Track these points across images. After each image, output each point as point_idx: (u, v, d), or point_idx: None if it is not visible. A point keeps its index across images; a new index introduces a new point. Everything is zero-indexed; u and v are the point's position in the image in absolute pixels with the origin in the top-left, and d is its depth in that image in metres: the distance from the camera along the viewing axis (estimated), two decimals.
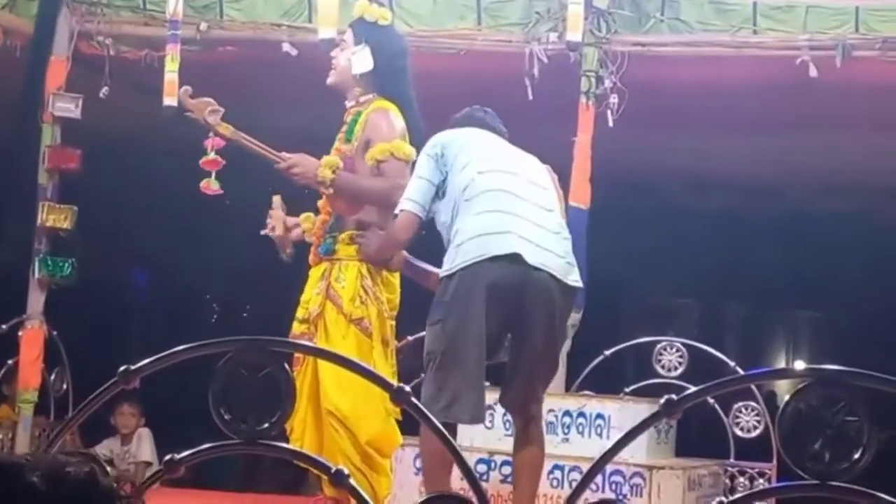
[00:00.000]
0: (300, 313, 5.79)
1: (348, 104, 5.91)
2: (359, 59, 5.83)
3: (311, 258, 5.91)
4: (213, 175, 5.88)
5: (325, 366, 5.49)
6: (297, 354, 5.32)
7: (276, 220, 6.05)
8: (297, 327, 5.77)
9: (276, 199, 6.08)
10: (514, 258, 5.17)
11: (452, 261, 5.24)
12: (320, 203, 5.90)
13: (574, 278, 5.35)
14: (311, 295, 5.78)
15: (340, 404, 5.53)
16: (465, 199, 5.29)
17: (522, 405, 5.41)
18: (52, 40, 8.20)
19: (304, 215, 6.07)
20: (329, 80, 5.96)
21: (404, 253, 5.69)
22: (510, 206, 5.27)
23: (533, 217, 5.28)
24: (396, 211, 5.41)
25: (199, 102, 5.70)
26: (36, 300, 8.25)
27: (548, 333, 5.28)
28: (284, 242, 6.04)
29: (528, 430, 5.39)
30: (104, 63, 8.37)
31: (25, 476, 1.68)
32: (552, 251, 5.26)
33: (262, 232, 6.07)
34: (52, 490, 1.67)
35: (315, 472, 5.59)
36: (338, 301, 5.67)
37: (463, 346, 5.17)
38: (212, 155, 5.84)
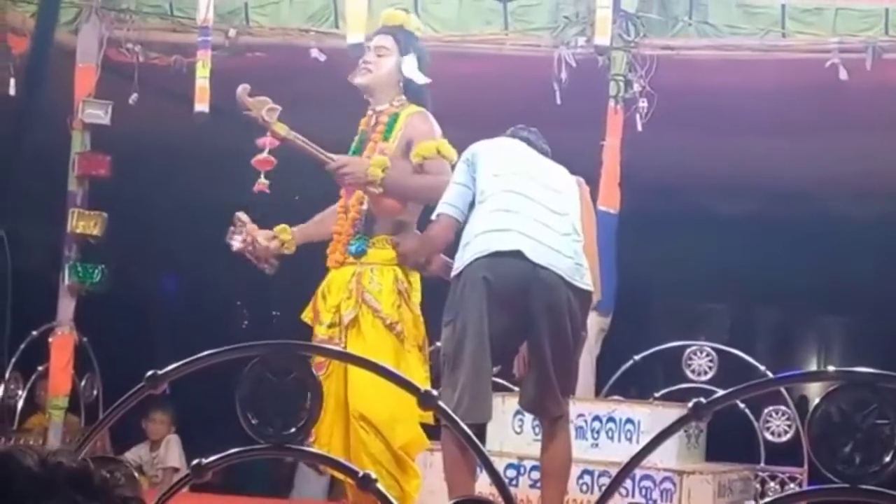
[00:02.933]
0: (327, 317, 5.76)
1: (379, 107, 5.93)
2: (412, 68, 5.93)
3: (333, 259, 5.87)
4: (263, 175, 5.89)
5: (358, 370, 5.47)
6: (319, 359, 5.32)
7: (252, 234, 6.02)
8: (322, 332, 5.73)
9: (243, 215, 6.07)
10: (517, 255, 5.18)
11: (460, 259, 5.28)
12: (349, 203, 5.89)
13: (585, 281, 5.31)
14: (340, 299, 5.76)
15: (376, 409, 5.50)
16: (479, 202, 5.34)
17: (539, 406, 5.40)
18: (52, 41, 8.19)
19: (280, 227, 6.07)
20: (363, 81, 5.97)
21: (443, 257, 5.68)
22: (517, 206, 5.28)
23: (541, 217, 5.28)
24: (434, 216, 5.44)
25: (257, 101, 5.73)
26: (66, 307, 8.28)
27: (559, 332, 5.24)
28: (265, 254, 6.03)
29: (553, 433, 5.37)
30: (133, 70, 8.40)
31: (23, 460, 1.70)
32: (560, 251, 5.23)
33: (234, 248, 6.07)
34: (48, 474, 1.70)
35: (341, 476, 5.61)
36: (375, 305, 5.67)
37: (467, 344, 5.17)
38: (265, 154, 5.86)
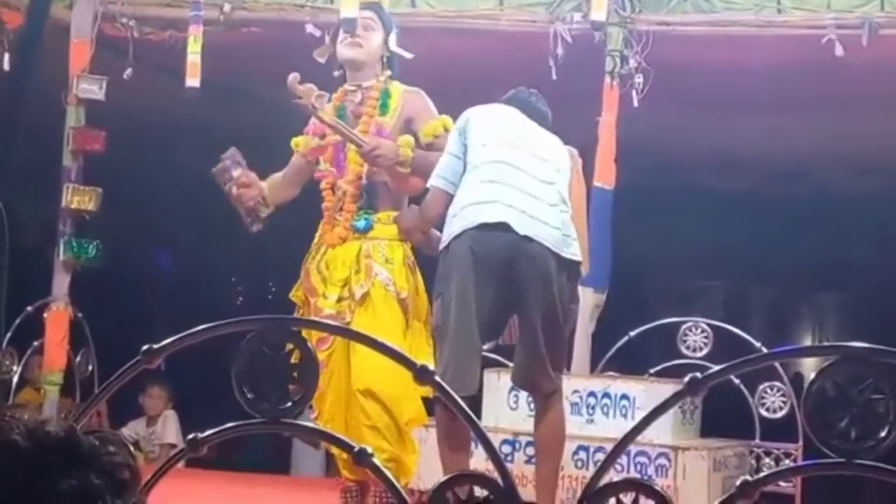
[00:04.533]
0: (333, 291, 5.76)
1: (366, 83, 5.95)
2: (397, 43, 5.98)
3: (336, 235, 5.86)
4: (321, 162, 5.95)
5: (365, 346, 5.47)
6: (323, 334, 5.33)
7: (252, 181, 6.02)
8: (330, 306, 5.73)
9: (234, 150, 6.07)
10: (502, 227, 5.15)
11: (448, 231, 5.27)
12: (342, 180, 5.89)
13: (572, 251, 5.28)
14: (348, 273, 5.75)
15: (385, 384, 5.50)
16: (467, 172, 5.33)
17: (531, 381, 5.39)
18: (46, 16, 8.16)
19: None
20: (354, 55, 5.98)
21: (436, 232, 5.65)
22: (503, 177, 5.25)
23: (527, 187, 5.24)
24: (427, 185, 5.43)
25: (307, 88, 5.74)
26: (61, 282, 8.27)
27: (547, 303, 5.21)
28: (256, 208, 6.05)
29: (547, 409, 5.36)
30: (128, 45, 8.38)
31: (7, 434, 1.70)
32: (547, 222, 5.20)
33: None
34: (34, 446, 1.70)
35: (335, 452, 5.63)
36: (386, 280, 5.68)
37: (452, 317, 5.16)
38: (317, 141, 5.91)
